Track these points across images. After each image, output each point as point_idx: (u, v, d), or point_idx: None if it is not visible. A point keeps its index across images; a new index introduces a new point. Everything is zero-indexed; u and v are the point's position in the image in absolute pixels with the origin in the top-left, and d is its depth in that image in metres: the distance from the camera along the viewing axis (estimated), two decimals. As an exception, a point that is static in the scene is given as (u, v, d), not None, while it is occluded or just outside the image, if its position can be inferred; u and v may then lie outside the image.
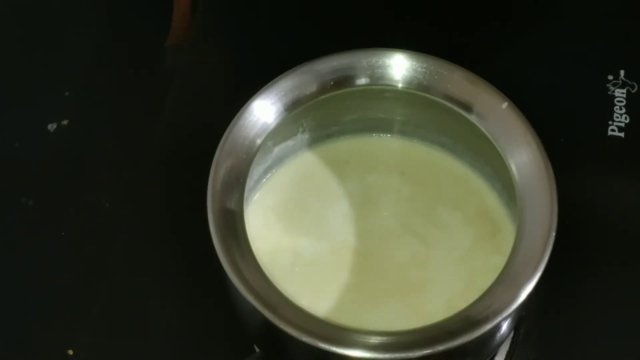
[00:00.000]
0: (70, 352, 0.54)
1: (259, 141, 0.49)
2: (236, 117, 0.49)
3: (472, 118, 0.49)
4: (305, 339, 0.41)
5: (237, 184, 0.47)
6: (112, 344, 0.53)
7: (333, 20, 0.67)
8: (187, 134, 0.61)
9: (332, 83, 0.51)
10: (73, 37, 0.70)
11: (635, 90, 0.61)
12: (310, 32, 0.65)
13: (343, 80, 0.51)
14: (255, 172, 0.51)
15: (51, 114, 0.65)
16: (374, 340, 0.41)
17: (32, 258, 0.58)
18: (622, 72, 0.61)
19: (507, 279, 0.43)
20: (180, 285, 0.55)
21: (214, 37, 0.67)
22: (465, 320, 0.42)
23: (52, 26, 0.71)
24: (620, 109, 0.60)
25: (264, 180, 0.54)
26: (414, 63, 0.51)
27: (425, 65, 0.51)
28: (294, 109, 0.50)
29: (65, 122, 0.65)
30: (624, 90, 0.61)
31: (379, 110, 0.54)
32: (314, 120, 0.53)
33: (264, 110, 0.50)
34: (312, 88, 0.51)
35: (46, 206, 0.60)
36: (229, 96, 0.58)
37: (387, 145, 0.55)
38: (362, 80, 0.51)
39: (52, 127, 0.64)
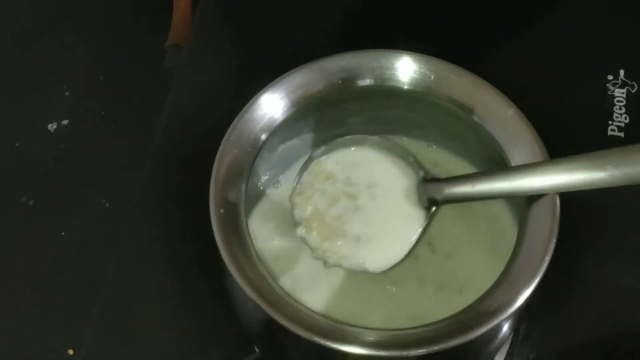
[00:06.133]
0: (71, 352, 0.54)
1: (264, 136, 0.49)
2: (242, 110, 0.49)
3: (476, 121, 0.49)
4: (305, 334, 0.41)
5: (240, 177, 0.47)
6: (112, 344, 0.53)
7: (333, 21, 0.67)
8: (186, 134, 0.61)
9: (339, 82, 0.51)
10: (73, 37, 0.70)
11: (635, 90, 0.61)
12: (310, 33, 0.65)
13: (350, 80, 0.51)
14: (259, 169, 0.51)
15: (51, 114, 0.65)
16: (374, 337, 0.42)
17: (32, 258, 0.58)
18: (622, 72, 0.61)
19: (507, 281, 0.43)
20: (180, 285, 0.55)
21: (214, 37, 0.67)
22: (464, 321, 0.42)
23: (52, 26, 0.71)
24: (620, 108, 0.60)
25: (268, 178, 0.54)
26: (422, 65, 0.51)
27: (432, 68, 0.51)
28: (300, 106, 0.50)
29: (65, 122, 0.65)
30: (624, 90, 0.61)
31: (384, 111, 0.54)
32: (320, 118, 0.53)
33: (271, 105, 0.49)
34: (320, 86, 0.51)
35: (46, 206, 0.60)
36: (229, 96, 0.58)
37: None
38: (369, 81, 0.51)
39: (52, 127, 0.65)
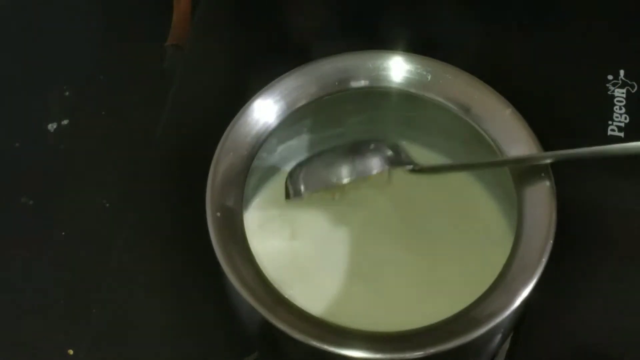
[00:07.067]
0: (71, 352, 0.54)
1: (260, 139, 0.49)
2: (238, 114, 0.49)
3: (473, 121, 0.49)
4: (302, 338, 0.41)
5: (237, 181, 0.47)
6: (112, 344, 0.53)
7: (335, 21, 0.67)
8: (186, 134, 0.61)
9: (336, 83, 0.51)
10: (73, 37, 0.70)
11: (635, 90, 0.61)
12: (311, 32, 0.65)
13: (346, 82, 0.51)
14: (257, 170, 0.51)
15: (51, 114, 0.65)
16: (372, 340, 0.42)
17: (32, 258, 0.58)
18: (622, 72, 0.61)
19: (505, 282, 0.43)
20: (180, 285, 0.55)
21: (214, 37, 0.67)
22: (463, 322, 0.42)
23: (52, 26, 0.71)
24: (620, 108, 0.60)
25: (266, 180, 0.54)
26: (418, 66, 0.51)
27: (429, 69, 0.51)
28: (296, 109, 0.50)
29: (65, 122, 0.65)
30: (624, 90, 0.61)
31: (381, 112, 0.54)
32: (316, 120, 0.53)
33: (266, 109, 0.50)
34: (315, 88, 0.51)
35: (46, 206, 0.61)
36: (228, 96, 0.58)
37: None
38: (365, 82, 0.51)
39: (52, 127, 0.65)
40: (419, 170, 0.51)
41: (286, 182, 0.52)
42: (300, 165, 0.52)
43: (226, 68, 0.65)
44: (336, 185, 0.51)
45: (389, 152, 0.52)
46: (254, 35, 0.67)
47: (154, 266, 0.56)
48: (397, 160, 0.52)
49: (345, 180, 0.50)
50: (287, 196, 0.52)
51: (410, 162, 0.52)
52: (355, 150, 0.52)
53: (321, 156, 0.53)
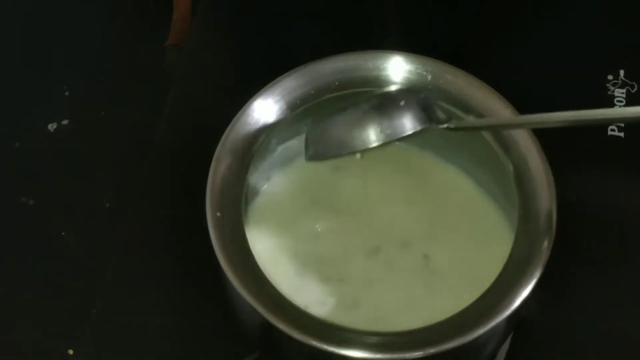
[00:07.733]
0: (71, 352, 0.54)
1: (260, 139, 0.49)
2: (238, 114, 0.49)
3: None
4: (302, 338, 0.41)
5: (237, 181, 0.47)
6: (112, 344, 0.53)
7: (335, 21, 0.67)
8: (187, 134, 0.61)
9: (336, 84, 0.51)
10: (73, 36, 0.70)
11: (635, 90, 0.61)
12: (310, 33, 0.65)
13: (346, 82, 0.51)
14: (257, 170, 0.51)
15: (51, 114, 0.65)
16: (372, 340, 0.42)
17: (32, 258, 0.58)
18: (622, 72, 0.61)
19: (504, 282, 0.43)
20: (180, 285, 0.55)
21: (214, 37, 0.67)
22: (463, 322, 0.42)
23: (52, 26, 0.71)
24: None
25: (266, 180, 0.54)
26: (418, 66, 0.51)
27: (428, 69, 0.51)
28: (296, 109, 0.50)
29: (65, 122, 0.65)
30: (624, 90, 0.61)
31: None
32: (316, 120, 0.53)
33: (266, 109, 0.50)
34: (315, 88, 0.51)
35: (46, 206, 0.61)
36: (228, 96, 0.58)
37: (387, 151, 0.55)
38: (365, 82, 0.51)
39: (52, 127, 0.65)
40: (454, 129, 0.49)
41: (306, 141, 0.50)
42: (320, 123, 0.50)
43: (226, 68, 0.65)
44: (361, 149, 0.49)
45: (420, 110, 0.48)
46: (254, 35, 0.67)
47: (154, 266, 0.56)
48: (430, 118, 0.48)
49: (372, 145, 0.48)
50: (307, 157, 0.50)
51: (444, 120, 0.49)
52: (382, 108, 0.48)
53: (344, 114, 0.49)
